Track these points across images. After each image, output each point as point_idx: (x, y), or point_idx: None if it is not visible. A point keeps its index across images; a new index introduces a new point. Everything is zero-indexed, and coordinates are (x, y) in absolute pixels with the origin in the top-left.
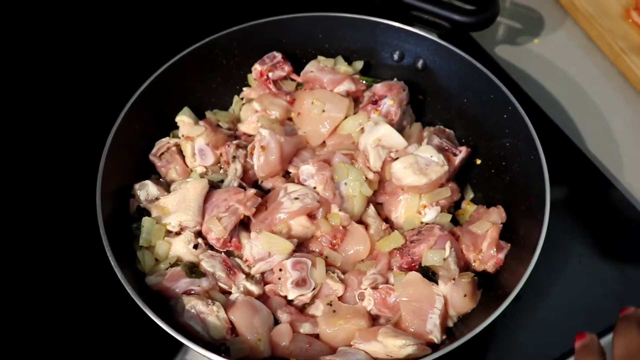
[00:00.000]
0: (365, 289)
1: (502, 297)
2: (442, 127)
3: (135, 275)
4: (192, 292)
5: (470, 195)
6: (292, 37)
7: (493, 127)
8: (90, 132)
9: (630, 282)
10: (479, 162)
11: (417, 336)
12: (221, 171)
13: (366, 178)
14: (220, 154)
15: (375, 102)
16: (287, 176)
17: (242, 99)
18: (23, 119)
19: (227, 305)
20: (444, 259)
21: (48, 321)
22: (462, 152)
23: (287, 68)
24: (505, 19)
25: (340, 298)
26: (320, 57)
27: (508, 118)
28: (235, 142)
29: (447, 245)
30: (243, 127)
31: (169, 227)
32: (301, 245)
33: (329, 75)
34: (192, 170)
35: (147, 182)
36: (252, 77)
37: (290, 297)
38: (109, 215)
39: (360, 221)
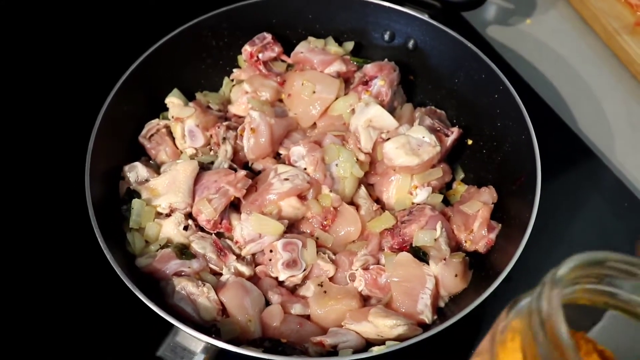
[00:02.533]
0: (356, 270)
1: (493, 277)
2: (433, 107)
3: (126, 258)
4: (183, 273)
5: (460, 175)
6: (282, 17)
7: (484, 108)
8: (78, 114)
9: None
10: (470, 142)
11: (408, 316)
12: (211, 153)
13: (357, 159)
14: (211, 136)
15: (365, 83)
16: (277, 158)
17: (232, 80)
18: (10, 101)
19: (217, 287)
20: (435, 239)
21: (37, 304)
22: (454, 132)
23: (277, 49)
24: None
25: (331, 279)
26: (310, 38)
27: (499, 98)
28: (225, 123)
29: (438, 225)
30: (233, 109)
31: (159, 209)
32: (292, 227)
33: (320, 56)
34: (182, 152)
35: (137, 163)
36: (242, 59)
37: (281, 278)
38: (98, 198)
39: (352, 202)
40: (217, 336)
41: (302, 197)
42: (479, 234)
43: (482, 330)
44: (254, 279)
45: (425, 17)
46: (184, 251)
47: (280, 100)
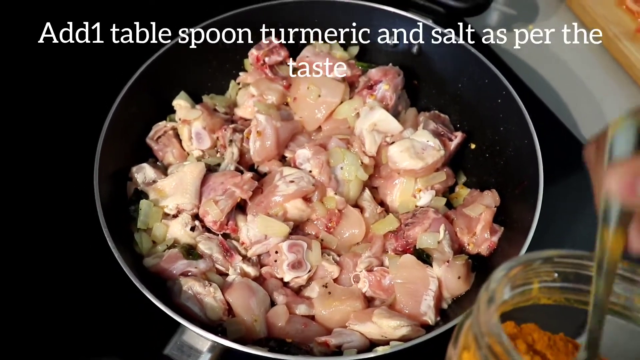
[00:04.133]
0: (360, 272)
1: None
2: (437, 112)
3: (133, 258)
4: (190, 273)
5: (463, 179)
6: (288, 22)
7: (487, 112)
8: (87, 116)
9: None
10: (473, 146)
11: (411, 317)
12: (218, 155)
13: (362, 162)
14: (217, 138)
15: (370, 87)
16: (283, 160)
17: (238, 83)
18: (20, 103)
19: (224, 287)
20: (438, 242)
21: (46, 303)
22: (458, 137)
23: (283, 53)
24: (500, 5)
25: (335, 280)
26: (316, 43)
27: (502, 103)
28: (231, 126)
29: (442, 228)
30: (240, 112)
31: (167, 210)
32: (297, 228)
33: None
34: (189, 154)
35: (145, 165)
36: (248, 62)
37: (286, 279)
38: (106, 198)
39: (356, 205)
40: (224, 335)
41: (307, 199)
42: (481, 237)
43: None
44: (260, 279)
45: (429, 23)
46: (190, 252)
47: (286, 104)
